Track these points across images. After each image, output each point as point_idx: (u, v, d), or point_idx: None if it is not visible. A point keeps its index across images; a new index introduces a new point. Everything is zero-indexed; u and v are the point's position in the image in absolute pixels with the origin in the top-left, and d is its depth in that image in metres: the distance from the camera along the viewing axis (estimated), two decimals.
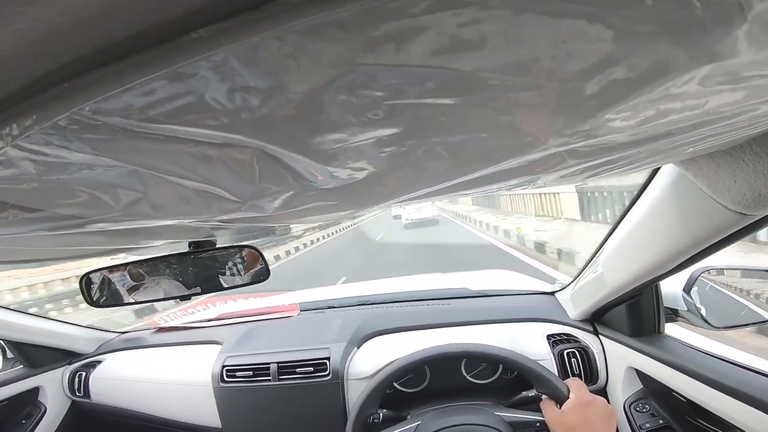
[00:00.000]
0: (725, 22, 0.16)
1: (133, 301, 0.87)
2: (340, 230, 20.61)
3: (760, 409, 0.62)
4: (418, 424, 0.87)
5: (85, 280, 0.80)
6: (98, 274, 0.83)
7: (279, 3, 0.15)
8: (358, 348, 1.14)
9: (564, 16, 0.14)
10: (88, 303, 0.81)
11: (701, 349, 0.81)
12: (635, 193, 0.71)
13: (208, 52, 0.15)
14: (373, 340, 1.17)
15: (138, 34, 0.16)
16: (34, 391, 1.30)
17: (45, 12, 0.14)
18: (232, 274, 0.88)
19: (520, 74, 0.17)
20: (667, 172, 0.60)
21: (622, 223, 0.79)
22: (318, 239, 17.05)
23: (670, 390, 0.83)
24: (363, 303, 1.41)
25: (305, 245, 15.14)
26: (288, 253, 13.19)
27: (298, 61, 0.15)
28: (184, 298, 0.86)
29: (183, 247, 0.78)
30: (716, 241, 0.56)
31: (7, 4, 0.13)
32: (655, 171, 0.62)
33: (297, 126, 0.19)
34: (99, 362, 1.35)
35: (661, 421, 0.88)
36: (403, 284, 1.70)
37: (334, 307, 1.42)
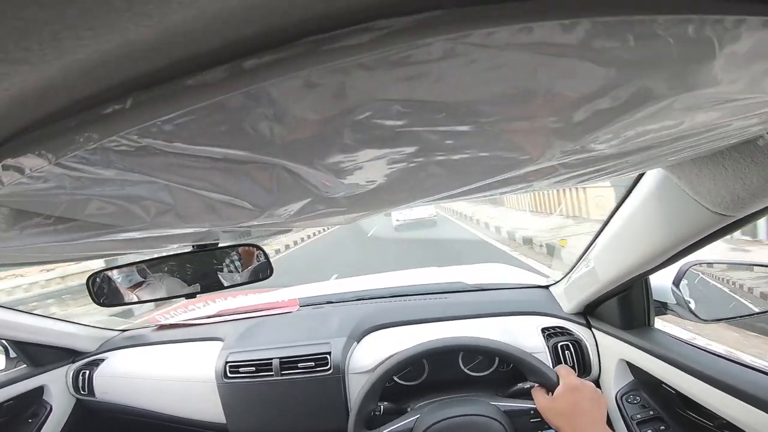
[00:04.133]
0: (699, 58, 0.18)
1: (136, 300, 0.88)
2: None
3: (747, 402, 0.64)
4: (418, 417, 0.90)
5: (92, 281, 0.81)
6: (103, 274, 0.84)
7: (305, 43, 0.17)
8: (358, 342, 1.16)
9: (557, 55, 0.17)
10: (95, 303, 0.82)
11: (690, 342, 0.83)
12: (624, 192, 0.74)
13: (245, 87, 0.17)
14: (372, 334, 1.19)
15: (179, 62, 0.17)
16: (39, 390, 1.30)
17: (104, 44, 0.15)
18: (234, 272, 0.90)
19: (516, 106, 0.19)
20: (654, 174, 0.62)
21: (611, 221, 0.82)
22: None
23: (660, 382, 0.85)
24: (361, 298, 1.43)
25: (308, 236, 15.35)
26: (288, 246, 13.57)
27: (322, 94, 0.18)
28: (187, 296, 0.87)
29: (187, 247, 0.80)
30: (698, 239, 0.60)
31: (69, 36, 0.14)
32: (642, 173, 0.65)
33: (316, 148, 0.21)
34: (102, 360, 1.35)
35: (651, 413, 0.90)
36: (401, 279, 1.72)
37: (333, 303, 1.44)
